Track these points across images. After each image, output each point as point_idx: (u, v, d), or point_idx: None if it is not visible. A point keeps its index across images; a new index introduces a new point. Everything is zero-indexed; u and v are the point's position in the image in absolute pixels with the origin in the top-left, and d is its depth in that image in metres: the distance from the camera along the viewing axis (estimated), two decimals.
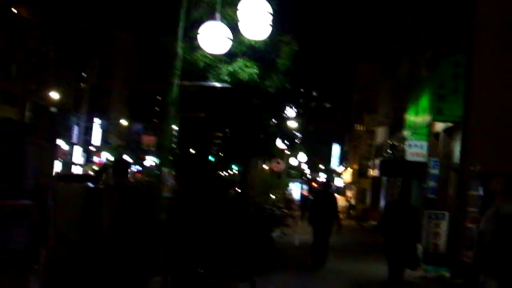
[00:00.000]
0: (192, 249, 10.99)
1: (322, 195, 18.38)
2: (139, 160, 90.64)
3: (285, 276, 15.68)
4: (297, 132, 47.09)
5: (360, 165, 56.94)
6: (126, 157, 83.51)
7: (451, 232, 16.07)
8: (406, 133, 21.51)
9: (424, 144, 20.72)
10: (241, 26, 11.10)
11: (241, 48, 14.20)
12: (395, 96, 32.58)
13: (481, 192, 12.93)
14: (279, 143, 42.72)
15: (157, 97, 28.63)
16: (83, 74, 61.59)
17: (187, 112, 15.60)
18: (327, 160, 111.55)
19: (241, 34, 12.09)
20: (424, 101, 17.49)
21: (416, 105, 19.04)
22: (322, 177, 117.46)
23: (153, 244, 9.44)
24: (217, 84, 14.06)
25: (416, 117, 19.03)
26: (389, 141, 31.43)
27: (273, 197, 40.46)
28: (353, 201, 55.71)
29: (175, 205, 12.01)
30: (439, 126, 18.89)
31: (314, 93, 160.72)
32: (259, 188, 34.44)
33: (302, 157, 66.11)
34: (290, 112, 28.37)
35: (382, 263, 14.79)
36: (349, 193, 63.93)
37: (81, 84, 61.16)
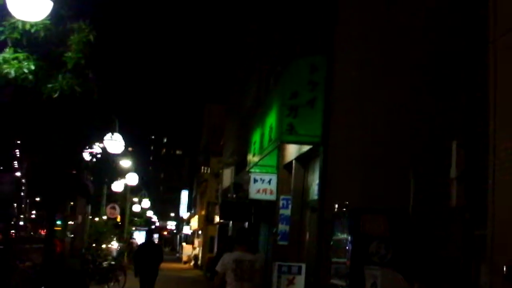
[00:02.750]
0: None
1: (147, 245, 19.15)
2: None
3: None
4: (137, 174, 42.28)
5: (208, 211, 53.08)
6: None
7: None
8: (248, 163, 17.37)
9: (272, 177, 16.73)
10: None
11: (13, 34, 10.06)
12: (240, 133, 28.71)
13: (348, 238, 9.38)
14: (117, 186, 38.19)
15: None
16: None
17: None
18: (177, 208, 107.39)
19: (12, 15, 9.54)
20: (271, 118, 13.48)
21: (262, 127, 15.02)
22: (171, 225, 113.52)
23: None
24: None
25: (261, 143, 15.00)
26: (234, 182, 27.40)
27: (112, 246, 35.67)
28: (199, 250, 51.69)
29: None
30: (291, 153, 15.00)
31: (165, 140, 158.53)
32: (90, 238, 29.72)
33: (146, 203, 61.40)
34: (116, 144, 23.72)
35: None
36: (196, 241, 59.88)
37: None
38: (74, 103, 15.01)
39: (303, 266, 12.63)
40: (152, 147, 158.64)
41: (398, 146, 11.21)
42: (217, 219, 43.00)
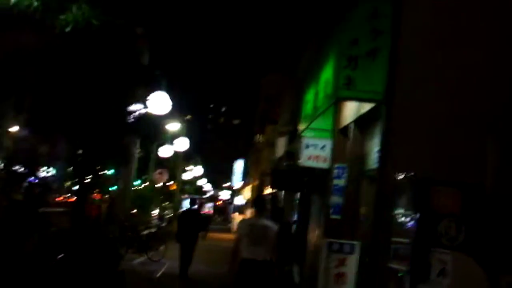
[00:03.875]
0: None
1: (189, 212, 20.27)
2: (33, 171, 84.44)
3: None
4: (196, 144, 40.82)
5: (261, 181, 51.57)
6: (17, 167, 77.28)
7: (363, 274, 10.49)
8: (301, 127, 15.50)
9: (326, 143, 14.91)
10: None
11: None
12: (295, 102, 26.85)
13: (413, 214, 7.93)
14: (165, 151, 36.74)
15: None
16: None
17: None
18: (232, 178, 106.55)
19: None
20: (327, 72, 11.64)
21: (316, 84, 13.18)
22: (225, 194, 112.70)
23: None
24: None
25: (315, 102, 13.16)
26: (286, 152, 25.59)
27: (154, 213, 34.40)
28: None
29: None
30: (348, 115, 13.18)
31: (223, 109, 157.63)
32: (134, 205, 28.40)
33: (198, 171, 60.12)
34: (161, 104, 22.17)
35: None
36: (249, 212, 58.46)
37: None
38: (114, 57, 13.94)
39: (357, 245, 10.91)
40: (210, 116, 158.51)
41: (475, 109, 9.39)
42: (269, 189, 41.48)
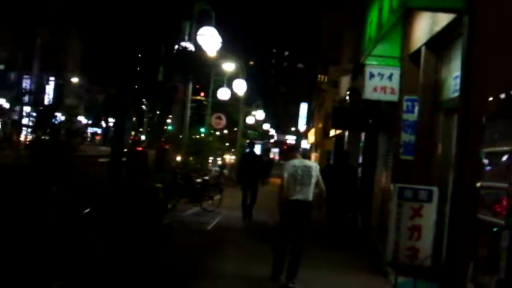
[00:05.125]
0: None
1: (249, 157, 19.64)
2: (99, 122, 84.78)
3: None
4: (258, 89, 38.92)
5: (325, 123, 49.56)
6: (81, 118, 77.62)
7: (444, 228, 8.55)
8: (365, 52, 13.28)
9: (394, 72, 12.73)
10: None
11: None
12: (358, 38, 24.59)
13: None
14: (222, 93, 35.00)
15: None
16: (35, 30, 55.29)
17: None
18: (297, 122, 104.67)
19: None
20: None
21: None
22: (290, 139, 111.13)
23: None
24: None
25: (379, 20, 11.03)
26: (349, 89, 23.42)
27: (212, 161, 32.81)
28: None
29: None
30: (419, 37, 11.06)
31: (286, 53, 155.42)
32: (188, 151, 26.82)
33: (261, 115, 58.29)
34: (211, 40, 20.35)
35: None
36: (313, 156, 56.64)
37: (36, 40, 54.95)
38: None
39: (435, 190, 8.93)
40: (273, 61, 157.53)
41: None
42: (333, 132, 39.58)
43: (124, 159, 17.72)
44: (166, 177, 19.30)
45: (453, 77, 9.94)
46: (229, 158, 45.31)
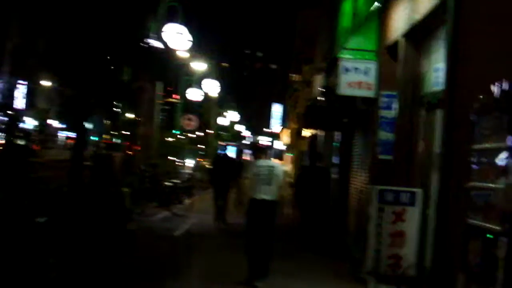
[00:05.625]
0: None
1: (221, 159, 19.67)
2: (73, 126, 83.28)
3: None
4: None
5: (299, 124, 48.95)
6: (52, 121, 76.34)
7: (430, 233, 7.84)
8: (339, 45, 12.49)
9: (370, 66, 11.95)
10: None
11: None
12: (332, 33, 23.85)
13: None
14: (193, 94, 34.10)
15: None
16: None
17: None
18: (269, 122, 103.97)
19: None
20: None
21: None
22: (265, 140, 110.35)
23: None
24: None
25: (354, 10, 10.28)
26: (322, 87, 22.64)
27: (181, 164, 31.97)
28: (291, 167, 47.87)
29: None
30: (397, 28, 10.36)
31: (259, 54, 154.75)
32: (158, 153, 25.98)
33: (234, 116, 57.46)
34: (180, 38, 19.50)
35: None
36: (287, 157, 56.00)
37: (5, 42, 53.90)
38: None
39: (419, 193, 8.19)
40: (246, 62, 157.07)
41: None
42: (307, 132, 38.90)
43: (88, 163, 16.91)
44: (134, 180, 18.49)
45: (434, 69, 9.24)
46: (202, 160, 44.49)
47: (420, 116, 9.80)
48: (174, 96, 40.07)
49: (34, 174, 13.76)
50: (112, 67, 14.50)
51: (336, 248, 14.03)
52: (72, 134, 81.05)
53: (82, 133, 13.43)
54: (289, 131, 61.67)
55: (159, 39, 19.75)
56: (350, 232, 15.22)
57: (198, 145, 44.64)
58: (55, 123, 78.05)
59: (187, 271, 10.78)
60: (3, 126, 53.25)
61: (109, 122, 55.90)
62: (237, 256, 11.16)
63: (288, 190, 11.57)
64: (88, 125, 60.42)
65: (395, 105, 10.43)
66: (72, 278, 8.89)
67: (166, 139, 30.19)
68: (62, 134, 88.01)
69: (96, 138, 66.67)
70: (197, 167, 37.23)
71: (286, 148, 64.40)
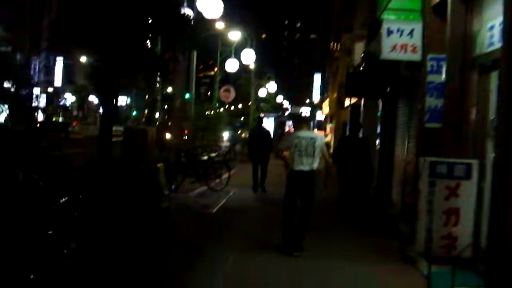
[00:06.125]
0: None
1: (258, 132, 19.74)
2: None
3: None
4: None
5: (339, 93, 47.87)
6: (93, 97, 76.51)
7: (484, 209, 6.99)
8: (381, 6, 11.54)
9: (416, 27, 10.97)
10: None
11: None
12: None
13: None
14: (230, 65, 33.33)
15: None
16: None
17: None
18: (311, 93, 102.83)
19: None
20: None
21: None
22: (305, 111, 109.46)
23: None
24: None
25: None
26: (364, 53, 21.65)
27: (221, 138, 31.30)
28: (331, 137, 46.99)
29: None
30: None
31: (298, 24, 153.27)
32: (196, 127, 25.32)
33: (273, 87, 56.46)
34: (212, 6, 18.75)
35: None
36: (328, 128, 54.99)
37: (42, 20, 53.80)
38: None
39: (475, 164, 7.34)
40: (286, 33, 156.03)
41: None
42: (348, 101, 37.88)
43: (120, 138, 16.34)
44: (170, 155, 17.85)
45: (487, 28, 8.34)
46: (241, 132, 43.82)
47: (472, 80, 8.91)
48: (216, 70, 39.45)
49: (58, 152, 13.15)
50: (141, 37, 13.67)
51: (380, 222, 13.24)
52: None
53: (111, 106, 12.75)
54: (329, 101, 60.67)
55: (195, 9, 19.07)
56: (394, 206, 14.42)
57: (238, 118, 43.89)
58: (96, 100, 78.10)
59: (221, 250, 10.09)
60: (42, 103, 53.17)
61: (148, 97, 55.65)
62: (273, 237, 10.77)
63: (330, 161, 10.88)
64: (128, 100, 59.98)
65: (444, 69, 9.54)
66: (92, 266, 8.24)
67: (204, 112, 29.45)
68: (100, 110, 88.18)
69: (136, 113, 66.43)
70: (237, 139, 36.57)
71: (327, 118, 63.51)
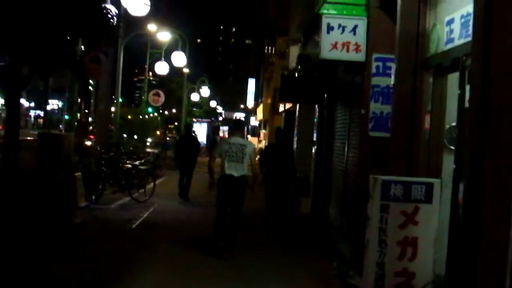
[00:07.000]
0: None
1: (185, 140, 19.82)
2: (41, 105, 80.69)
3: None
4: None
5: (273, 99, 46.98)
6: (23, 100, 73.78)
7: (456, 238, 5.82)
8: (318, 3, 10.27)
9: (359, 23, 9.71)
10: None
11: None
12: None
13: None
14: (160, 67, 31.92)
15: None
16: None
17: None
18: (245, 98, 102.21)
19: None
20: None
21: None
22: (239, 116, 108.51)
23: None
24: None
25: None
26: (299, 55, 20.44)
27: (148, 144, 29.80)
28: (264, 143, 46.07)
29: None
30: None
31: (233, 29, 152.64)
32: (121, 132, 23.77)
33: (206, 91, 55.04)
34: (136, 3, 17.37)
35: None
36: (262, 134, 54.04)
37: None
38: None
39: (437, 184, 6.11)
40: (220, 38, 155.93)
41: None
42: (283, 107, 36.90)
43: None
44: (91, 163, 16.31)
45: (445, 22, 7.18)
46: (173, 138, 42.37)
47: (426, 83, 7.73)
48: (151, 74, 37.89)
49: None
50: (57, 34, 12.16)
51: (316, 241, 12.07)
52: (41, 113, 78.30)
53: (16, 108, 11.26)
54: (263, 106, 59.77)
55: (122, 9, 17.70)
56: (332, 222, 13.25)
57: (172, 122, 42.51)
58: (26, 103, 75.38)
59: (139, 272, 8.72)
60: None
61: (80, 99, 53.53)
62: (197, 251, 10.24)
63: (256, 168, 11.23)
64: (60, 103, 57.47)
65: (393, 71, 8.36)
66: None
67: (130, 117, 27.93)
68: (32, 113, 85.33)
69: (68, 117, 64.24)
70: (169, 145, 35.12)
71: (261, 124, 62.58)
